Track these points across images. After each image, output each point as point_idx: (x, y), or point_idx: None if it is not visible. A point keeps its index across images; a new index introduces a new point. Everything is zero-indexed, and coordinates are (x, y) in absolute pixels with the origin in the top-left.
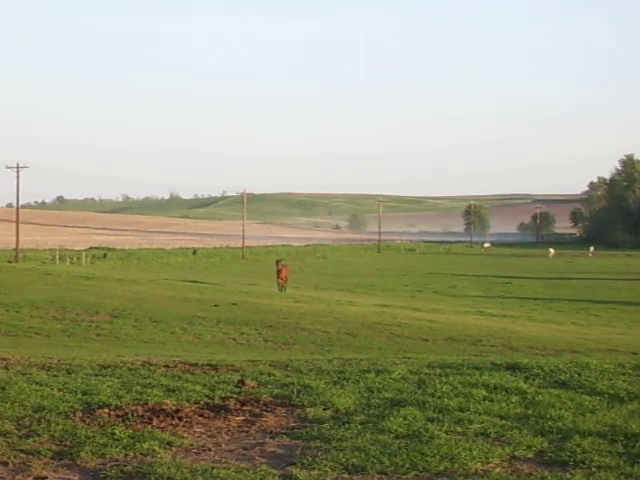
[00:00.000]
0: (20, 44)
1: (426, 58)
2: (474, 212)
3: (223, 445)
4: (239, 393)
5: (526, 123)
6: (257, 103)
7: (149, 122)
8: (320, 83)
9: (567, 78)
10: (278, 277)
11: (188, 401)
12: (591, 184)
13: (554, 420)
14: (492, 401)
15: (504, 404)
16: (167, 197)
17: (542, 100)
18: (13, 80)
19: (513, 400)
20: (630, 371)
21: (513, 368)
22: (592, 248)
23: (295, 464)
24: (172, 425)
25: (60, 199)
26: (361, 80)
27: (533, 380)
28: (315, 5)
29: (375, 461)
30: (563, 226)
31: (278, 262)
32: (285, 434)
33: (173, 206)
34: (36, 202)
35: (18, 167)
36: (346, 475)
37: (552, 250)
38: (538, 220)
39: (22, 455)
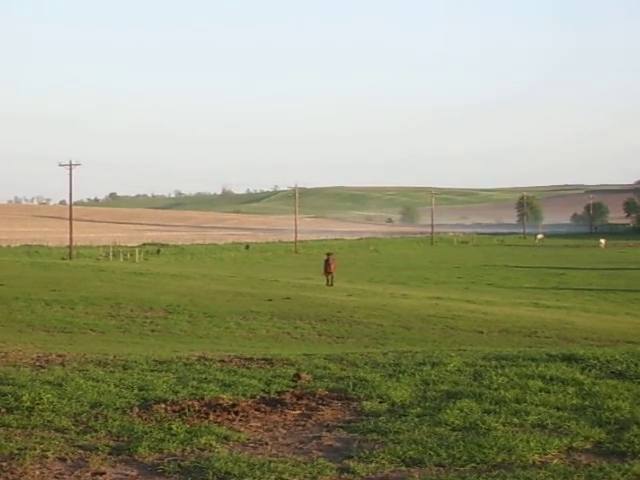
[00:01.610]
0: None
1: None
2: (527, 203)
3: (280, 439)
4: (295, 387)
5: (582, 118)
6: (305, 98)
7: (200, 117)
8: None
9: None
10: (326, 270)
11: (244, 395)
12: None
13: (611, 411)
14: (549, 392)
15: (561, 395)
16: (219, 192)
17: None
18: (61, 78)
19: (570, 391)
20: None
21: (569, 359)
22: None
23: (352, 457)
24: (229, 420)
25: (113, 196)
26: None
27: (589, 371)
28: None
29: (432, 454)
30: (617, 216)
31: (329, 255)
32: (342, 427)
33: (225, 201)
34: (89, 199)
35: (71, 164)
36: (403, 468)
37: (603, 241)
38: (591, 211)
39: (80, 451)
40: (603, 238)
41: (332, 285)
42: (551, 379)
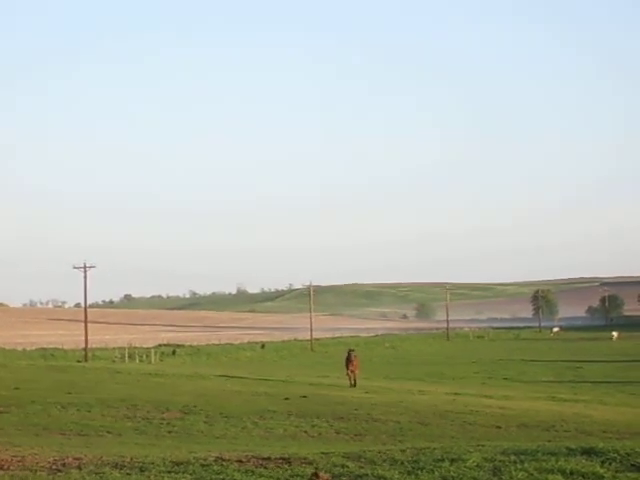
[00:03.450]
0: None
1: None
2: (542, 297)
3: None
4: None
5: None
6: (320, 198)
7: (213, 218)
8: (388, 172)
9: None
10: (348, 369)
11: None
12: None
13: None
14: None
15: None
16: (234, 292)
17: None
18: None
19: None
20: None
21: (589, 453)
22: None
23: None
24: None
25: (128, 297)
26: (423, 165)
27: (609, 464)
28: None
29: None
30: (632, 308)
31: (351, 352)
32: None
33: (240, 300)
34: (104, 301)
35: (85, 267)
36: None
37: (615, 333)
38: (606, 303)
39: None
40: (616, 331)
41: (355, 385)
42: (571, 473)
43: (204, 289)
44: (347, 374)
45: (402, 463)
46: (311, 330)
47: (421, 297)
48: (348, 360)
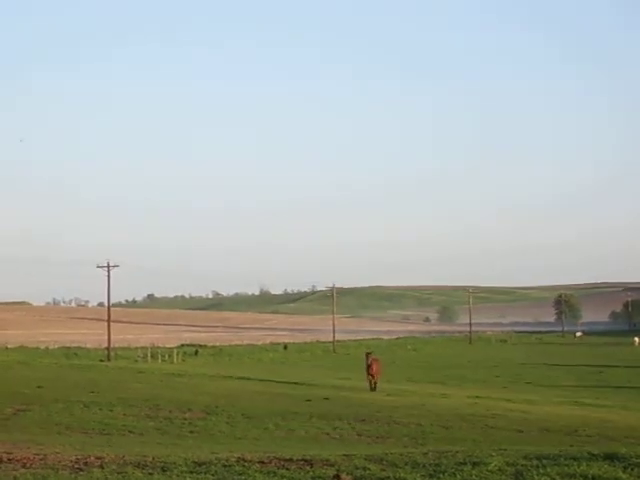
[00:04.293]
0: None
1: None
2: (565, 301)
3: None
4: None
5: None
6: (343, 199)
7: (237, 219)
8: (404, 174)
9: None
10: (368, 373)
11: None
12: None
13: None
14: None
15: None
16: (257, 293)
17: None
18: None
19: None
20: None
21: (611, 458)
22: None
23: None
24: None
25: (150, 297)
26: (440, 165)
27: (632, 470)
28: None
29: None
30: None
31: (368, 355)
32: None
33: (263, 302)
34: (127, 300)
35: (109, 266)
36: None
37: (637, 339)
38: (630, 308)
39: None
40: (637, 336)
41: (375, 389)
42: (593, 478)
43: (227, 290)
44: (367, 379)
45: (424, 466)
46: (334, 332)
47: (443, 300)
48: (369, 366)
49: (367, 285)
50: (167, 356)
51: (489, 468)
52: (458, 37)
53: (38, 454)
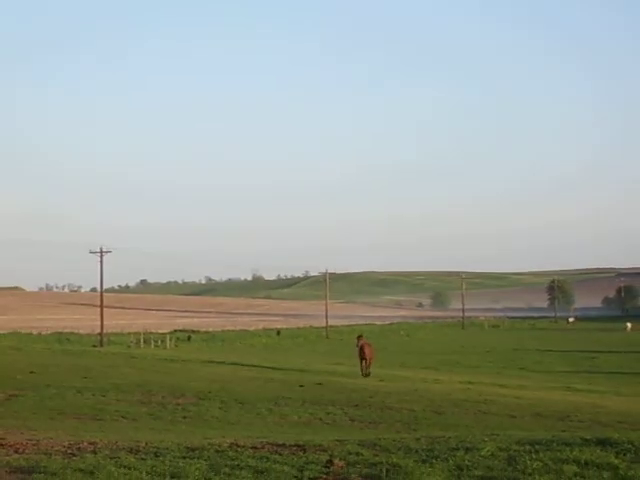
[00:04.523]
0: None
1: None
2: (558, 287)
3: None
4: (328, 473)
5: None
6: (336, 184)
7: (229, 204)
8: (399, 156)
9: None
10: (361, 357)
11: None
12: None
13: None
14: (583, 477)
15: None
16: (250, 278)
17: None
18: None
19: (605, 476)
20: None
21: (603, 443)
22: None
23: None
24: None
25: (143, 282)
26: (435, 151)
27: (624, 455)
28: None
29: None
30: None
31: (359, 338)
32: None
33: (256, 287)
34: (119, 286)
35: (102, 251)
36: None
37: (629, 324)
38: (622, 294)
39: None
40: (630, 322)
41: (368, 375)
42: (586, 463)
43: (220, 275)
44: (360, 364)
45: (417, 451)
46: (326, 317)
47: (436, 286)
48: (361, 350)
49: (360, 271)
50: (160, 342)
51: (482, 453)
52: (459, 27)
53: (31, 439)
